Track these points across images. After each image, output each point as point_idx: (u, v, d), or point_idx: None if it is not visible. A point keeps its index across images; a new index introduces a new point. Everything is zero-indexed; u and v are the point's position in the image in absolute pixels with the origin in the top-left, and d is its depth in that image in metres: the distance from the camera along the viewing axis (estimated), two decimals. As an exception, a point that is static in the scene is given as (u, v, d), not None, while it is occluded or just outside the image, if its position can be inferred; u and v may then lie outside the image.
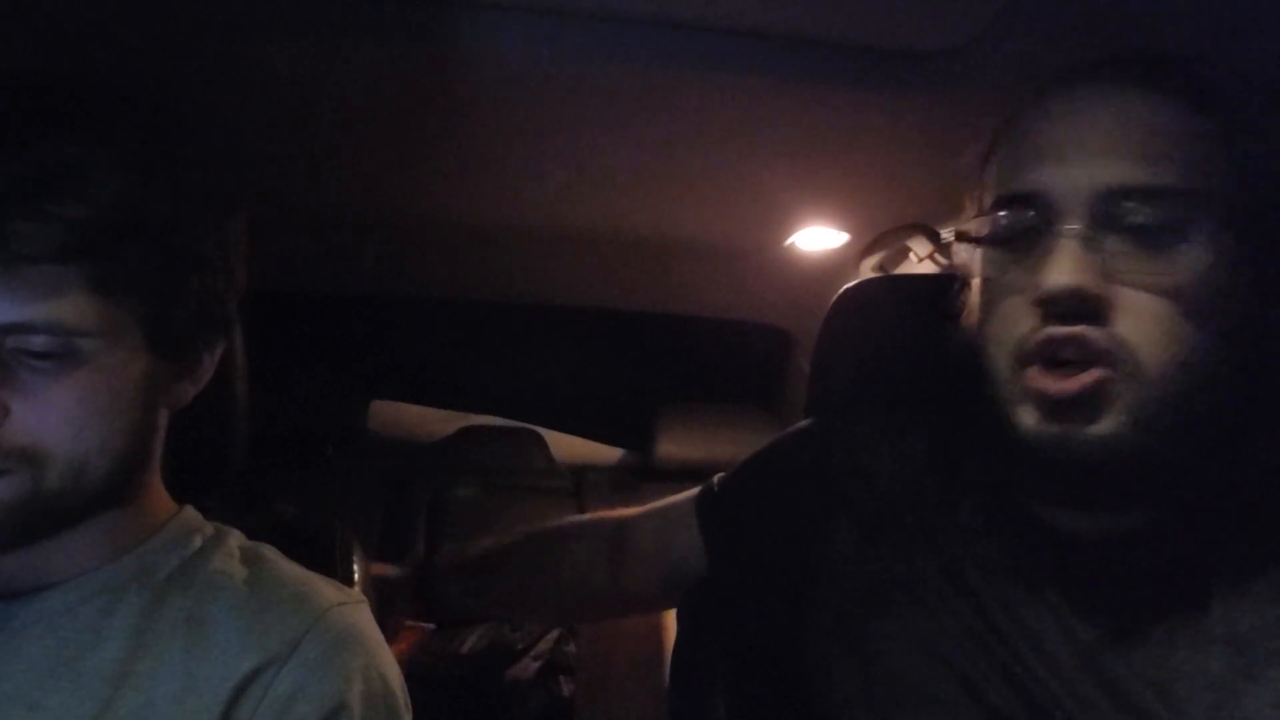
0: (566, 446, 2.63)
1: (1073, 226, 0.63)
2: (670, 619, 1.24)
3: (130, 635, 0.72)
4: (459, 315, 1.97)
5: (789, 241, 1.48)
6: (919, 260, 1.45)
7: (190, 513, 0.81)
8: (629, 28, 0.96)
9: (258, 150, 1.19)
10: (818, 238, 1.49)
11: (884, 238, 1.47)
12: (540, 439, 2.59)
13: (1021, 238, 0.66)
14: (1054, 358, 0.63)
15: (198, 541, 0.79)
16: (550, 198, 1.34)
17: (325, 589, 0.78)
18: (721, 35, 0.97)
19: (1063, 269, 0.62)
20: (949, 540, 0.73)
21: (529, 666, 2.02)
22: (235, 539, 0.81)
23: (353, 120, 1.12)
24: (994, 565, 0.70)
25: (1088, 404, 0.62)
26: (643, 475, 2.52)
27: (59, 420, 0.69)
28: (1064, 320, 0.62)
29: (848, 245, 1.50)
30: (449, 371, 2.41)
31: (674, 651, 0.96)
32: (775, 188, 1.28)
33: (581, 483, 2.53)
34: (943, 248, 1.41)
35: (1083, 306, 0.62)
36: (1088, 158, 0.64)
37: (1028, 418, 0.64)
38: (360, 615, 0.77)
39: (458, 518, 2.39)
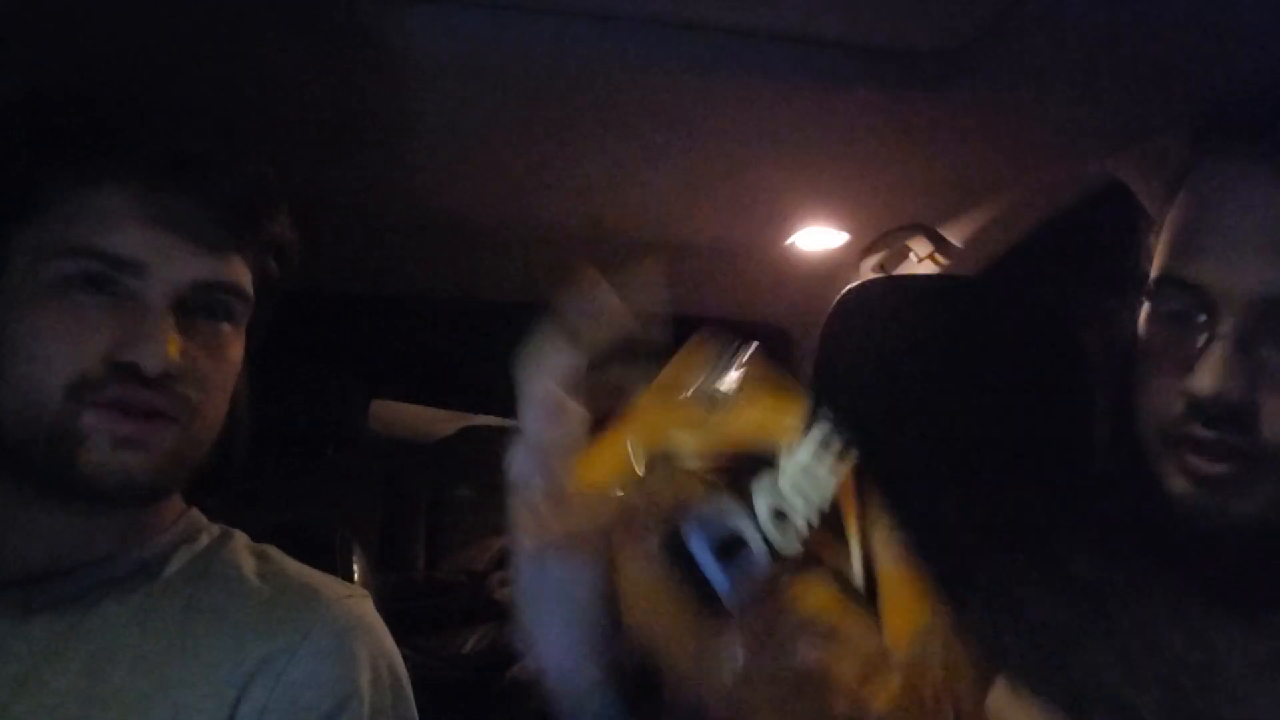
0: (566, 446, 2.63)
1: (1231, 329, 0.65)
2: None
3: (139, 622, 0.73)
4: (459, 315, 1.96)
5: (789, 241, 1.48)
6: (919, 260, 1.45)
7: (196, 513, 0.83)
8: (629, 28, 0.96)
9: (256, 150, 1.19)
10: (818, 238, 1.49)
11: (884, 238, 1.47)
12: (540, 439, 2.59)
13: (1177, 324, 0.69)
14: (1194, 447, 0.67)
15: (204, 540, 0.80)
16: (550, 198, 1.34)
17: (332, 583, 0.80)
18: (721, 35, 0.98)
19: (1213, 373, 0.65)
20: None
21: (529, 667, 2.02)
22: (241, 538, 0.82)
23: (351, 119, 1.12)
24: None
25: (1233, 484, 0.66)
26: (642, 475, 2.52)
27: (216, 376, 0.74)
28: (1207, 424, 0.65)
29: (848, 245, 1.50)
30: (449, 371, 2.41)
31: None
32: (775, 188, 1.28)
33: (581, 483, 2.53)
34: (942, 248, 1.42)
35: (1227, 413, 0.65)
36: (1256, 255, 0.66)
37: (1179, 485, 0.68)
38: (366, 607, 0.79)
39: (458, 518, 2.38)
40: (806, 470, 0.54)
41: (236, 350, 0.77)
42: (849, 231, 1.46)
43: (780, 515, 0.52)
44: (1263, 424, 0.65)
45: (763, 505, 0.52)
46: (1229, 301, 0.66)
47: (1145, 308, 0.72)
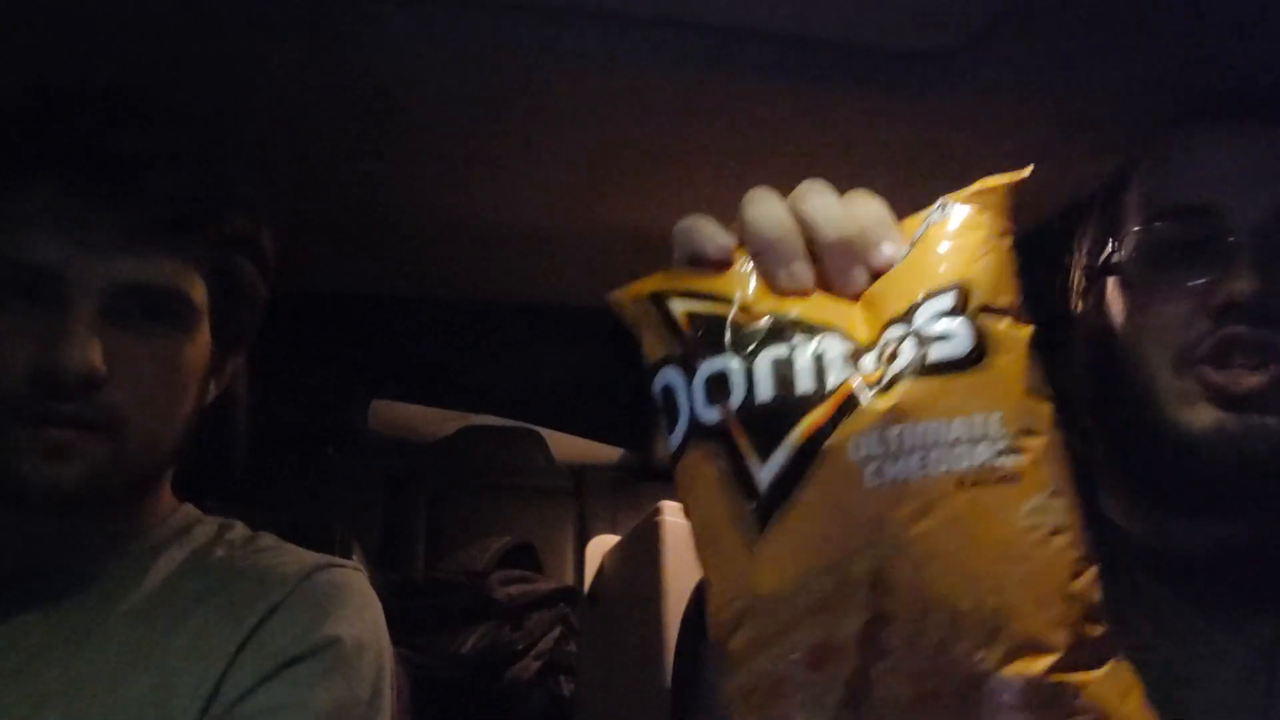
0: (566, 446, 2.63)
1: (1252, 240, 0.66)
2: (670, 618, 1.25)
3: (131, 617, 0.73)
4: (459, 315, 1.96)
5: (789, 241, 1.48)
6: (919, 260, 1.45)
7: (190, 509, 0.83)
8: (628, 28, 0.96)
9: (255, 150, 1.19)
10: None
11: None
12: (540, 439, 2.59)
13: (1186, 248, 0.69)
14: (1226, 359, 0.66)
15: (199, 534, 0.80)
16: (550, 198, 1.34)
17: (327, 556, 0.80)
18: (720, 35, 0.97)
19: (1249, 276, 0.65)
20: None
21: (529, 666, 2.03)
22: (236, 530, 0.82)
23: (351, 120, 1.12)
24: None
25: (1270, 397, 0.65)
26: (643, 475, 2.52)
27: (150, 382, 0.71)
28: (1251, 325, 0.65)
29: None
30: (449, 371, 2.41)
31: (675, 651, 0.96)
32: (775, 187, 1.28)
33: (581, 483, 2.53)
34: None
35: (1267, 311, 0.65)
36: (1259, 180, 0.68)
37: (1204, 415, 0.66)
38: (354, 576, 0.80)
39: (458, 518, 2.39)
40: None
41: (183, 354, 0.74)
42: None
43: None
44: None
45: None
46: (1244, 217, 0.67)
47: (1134, 248, 0.72)
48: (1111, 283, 0.74)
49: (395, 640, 0.81)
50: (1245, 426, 0.65)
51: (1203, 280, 0.67)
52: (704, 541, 0.46)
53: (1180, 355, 0.67)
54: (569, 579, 2.28)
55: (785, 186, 0.57)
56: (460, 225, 1.46)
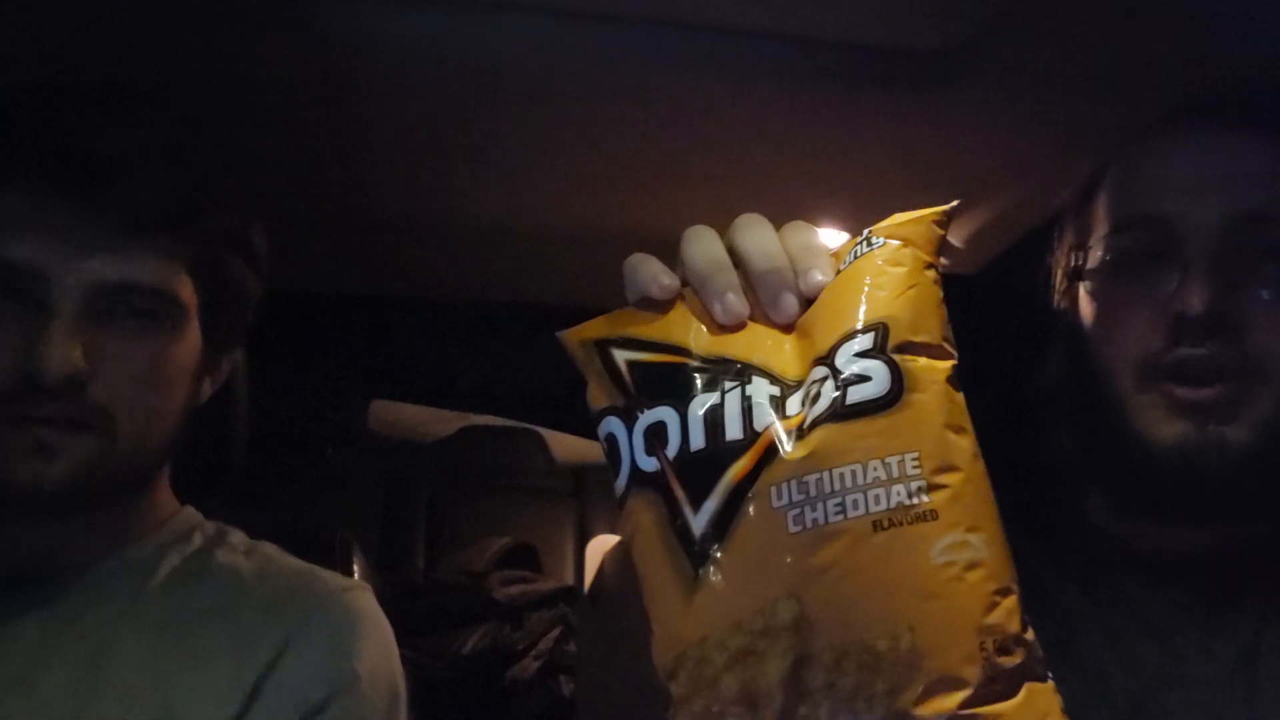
0: (566, 446, 2.62)
1: (1204, 251, 0.67)
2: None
3: (131, 624, 0.73)
4: (458, 315, 1.96)
5: (789, 241, 1.48)
6: (919, 260, 1.45)
7: (191, 512, 0.82)
8: (629, 28, 0.96)
9: (255, 149, 1.19)
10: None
11: (884, 237, 1.47)
12: (540, 439, 2.59)
13: (1145, 259, 0.70)
14: (1182, 377, 0.67)
15: (198, 539, 0.80)
16: (550, 198, 1.34)
17: (331, 576, 0.79)
18: (721, 35, 0.97)
19: (1199, 290, 0.66)
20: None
21: (529, 666, 2.02)
22: (237, 536, 0.82)
23: (351, 119, 1.12)
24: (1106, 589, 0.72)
25: (1225, 409, 0.66)
26: (643, 475, 2.51)
27: (137, 381, 0.71)
28: (1197, 341, 0.66)
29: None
30: (449, 371, 2.40)
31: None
32: (775, 188, 1.28)
33: (581, 483, 2.53)
34: (942, 247, 1.41)
35: (1218, 327, 0.65)
36: (1213, 188, 0.68)
37: (1165, 428, 0.67)
38: (365, 600, 0.79)
39: (458, 518, 2.38)
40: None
41: (170, 352, 0.73)
42: (849, 231, 1.46)
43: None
44: (1249, 336, 0.66)
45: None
46: (1197, 228, 0.68)
47: (1100, 258, 0.73)
48: (1082, 289, 0.75)
49: (395, 640, 0.81)
50: (1205, 438, 0.66)
51: (1159, 292, 0.68)
52: (647, 588, 0.48)
53: (1141, 368, 0.69)
54: (569, 579, 2.28)
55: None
56: (460, 225, 1.46)
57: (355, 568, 1.13)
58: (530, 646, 2.03)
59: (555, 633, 2.07)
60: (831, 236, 1.52)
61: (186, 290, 0.73)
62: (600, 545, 1.76)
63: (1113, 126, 1.05)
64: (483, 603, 2.03)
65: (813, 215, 1.52)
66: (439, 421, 2.63)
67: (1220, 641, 0.68)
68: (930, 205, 0.52)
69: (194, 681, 0.70)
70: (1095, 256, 0.74)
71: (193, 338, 0.75)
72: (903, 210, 0.53)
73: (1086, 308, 0.74)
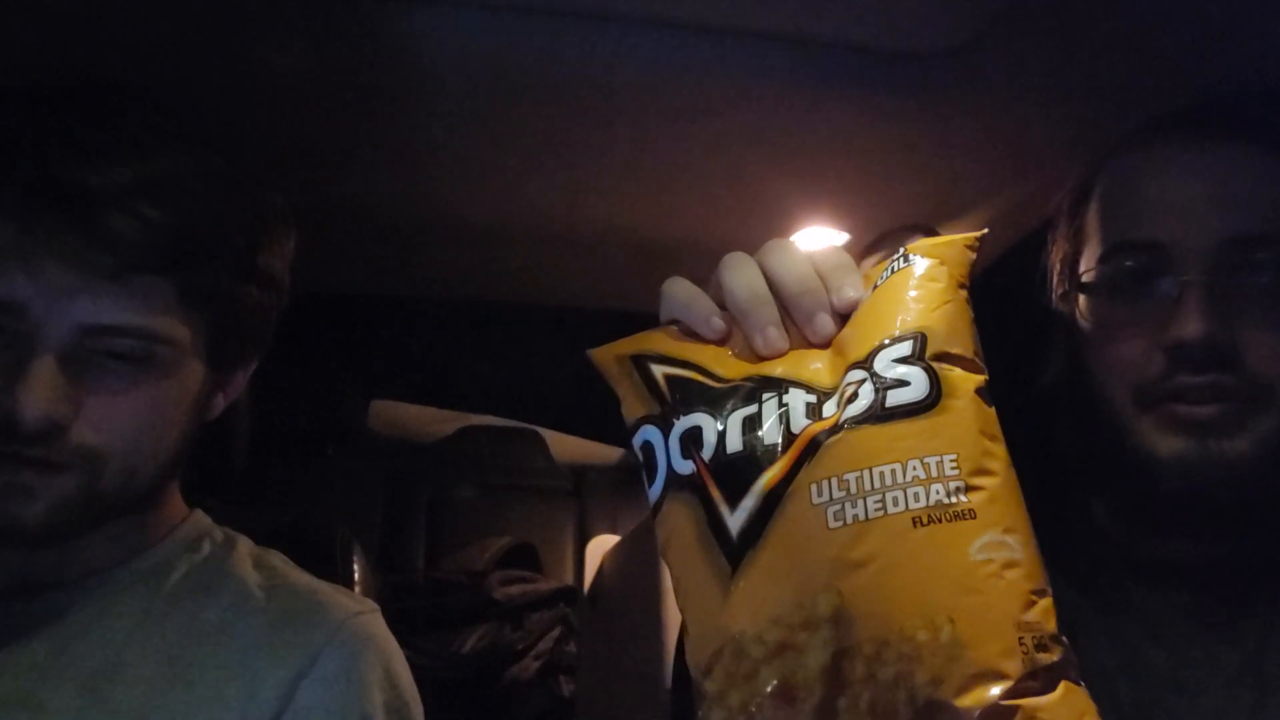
0: (566, 447, 2.62)
1: (1198, 276, 0.66)
2: (671, 618, 1.24)
3: (139, 640, 0.72)
4: (459, 315, 1.96)
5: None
6: (919, 260, 1.45)
7: (200, 516, 0.81)
8: (629, 28, 0.96)
9: (255, 149, 1.19)
10: (818, 238, 1.49)
11: (884, 238, 1.47)
12: (540, 439, 2.59)
13: (1140, 283, 0.69)
14: (1180, 399, 0.66)
15: (207, 547, 0.79)
16: (550, 198, 1.34)
17: (341, 599, 0.78)
18: (721, 36, 0.97)
19: (1195, 318, 0.65)
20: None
21: (529, 666, 2.02)
22: (245, 545, 0.81)
23: (352, 120, 1.12)
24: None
25: (1226, 425, 0.66)
26: (643, 475, 2.51)
27: (124, 423, 0.69)
28: (1197, 369, 0.65)
29: (848, 245, 1.50)
30: (449, 371, 2.40)
31: (675, 651, 0.96)
32: (775, 188, 1.28)
33: (581, 483, 2.53)
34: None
35: (1215, 355, 0.65)
36: (1206, 209, 0.67)
37: (1164, 444, 0.67)
38: (376, 624, 0.77)
39: (458, 518, 2.39)
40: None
41: (162, 393, 0.70)
42: (849, 231, 1.46)
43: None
44: (1247, 360, 0.65)
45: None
46: (1190, 252, 0.67)
47: (1094, 280, 0.72)
48: (1079, 307, 0.74)
49: (396, 640, 0.80)
50: (1206, 453, 0.66)
51: (1156, 319, 0.67)
52: (682, 587, 0.49)
53: (1140, 393, 0.68)
54: (569, 579, 2.28)
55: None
56: (460, 225, 1.46)
57: (355, 567, 1.13)
58: (530, 646, 2.03)
59: (555, 633, 2.07)
60: (831, 237, 1.52)
61: (181, 330, 0.69)
62: (600, 545, 1.77)
63: (1112, 127, 1.05)
64: (483, 602, 2.03)
65: (814, 216, 1.53)
66: (439, 421, 2.63)
67: (1226, 647, 0.68)
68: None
69: (200, 707, 0.69)
70: (1090, 276, 0.73)
71: (190, 372, 0.72)
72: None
73: (1083, 327, 0.74)
